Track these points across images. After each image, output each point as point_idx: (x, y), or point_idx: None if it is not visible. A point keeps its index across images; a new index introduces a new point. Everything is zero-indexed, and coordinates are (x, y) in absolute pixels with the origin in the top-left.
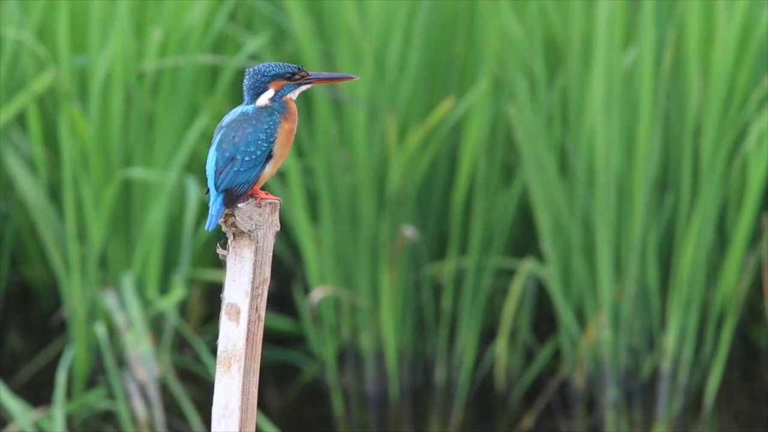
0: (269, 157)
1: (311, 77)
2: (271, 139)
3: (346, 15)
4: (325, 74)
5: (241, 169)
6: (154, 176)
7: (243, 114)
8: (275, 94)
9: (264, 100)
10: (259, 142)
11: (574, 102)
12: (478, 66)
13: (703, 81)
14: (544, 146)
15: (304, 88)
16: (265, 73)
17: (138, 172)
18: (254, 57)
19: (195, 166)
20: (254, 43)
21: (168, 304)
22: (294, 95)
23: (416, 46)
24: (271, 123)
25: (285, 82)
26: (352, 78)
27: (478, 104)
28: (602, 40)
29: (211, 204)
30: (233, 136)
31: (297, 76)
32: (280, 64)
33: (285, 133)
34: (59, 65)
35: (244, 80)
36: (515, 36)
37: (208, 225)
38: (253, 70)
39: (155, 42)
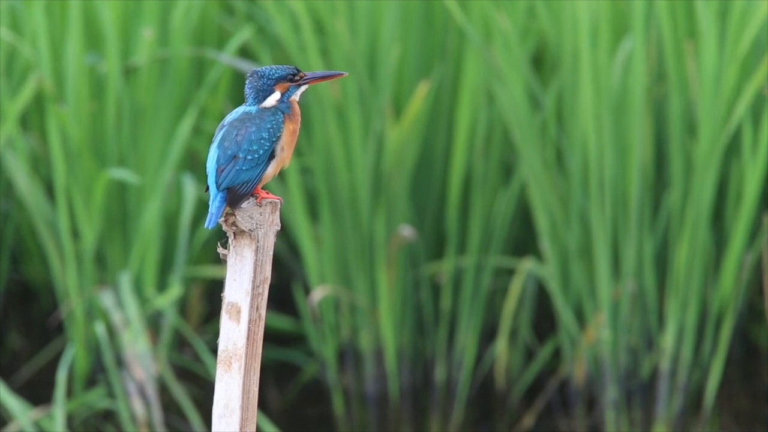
0: (272, 156)
1: (308, 77)
2: (274, 138)
3: (336, 18)
4: (319, 73)
5: (244, 167)
6: (137, 177)
7: (246, 113)
8: (282, 96)
9: (272, 102)
10: (262, 141)
11: (568, 102)
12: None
13: (683, 78)
14: (539, 147)
15: (303, 88)
16: (270, 76)
17: (121, 173)
18: (243, 50)
19: (193, 164)
20: (242, 34)
21: (165, 302)
22: (297, 96)
23: (405, 36)
24: (274, 122)
25: (288, 84)
26: (343, 74)
27: (466, 91)
28: (586, 41)
29: (211, 202)
30: (236, 135)
31: (297, 77)
32: (281, 66)
33: (289, 134)
34: (41, 68)
35: (247, 83)
36: (507, 35)
37: (208, 223)
38: (257, 72)
39: (147, 40)
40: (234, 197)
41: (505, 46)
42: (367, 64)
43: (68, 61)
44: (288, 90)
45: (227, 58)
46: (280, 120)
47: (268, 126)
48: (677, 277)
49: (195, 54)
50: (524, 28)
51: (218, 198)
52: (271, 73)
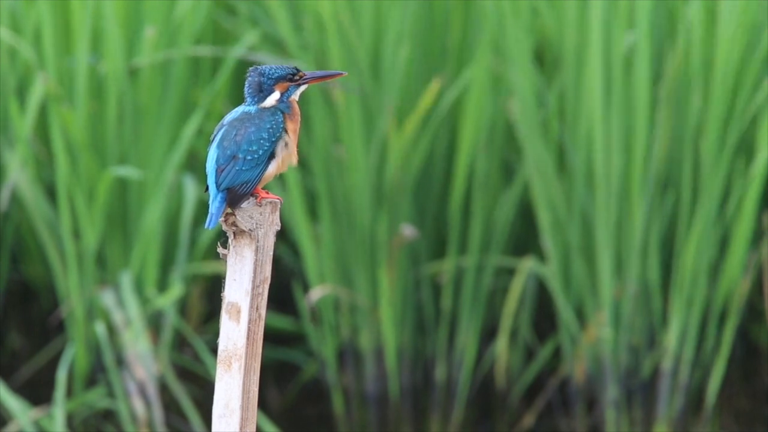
0: (272, 156)
1: (307, 77)
2: (273, 139)
3: (338, 13)
4: (319, 72)
5: (243, 168)
6: (140, 174)
7: (245, 113)
8: (282, 96)
9: (271, 101)
10: (262, 141)
11: (571, 99)
12: (472, 53)
13: (704, 81)
14: (543, 144)
15: (303, 88)
16: (270, 75)
17: (124, 170)
18: (250, 50)
19: (193, 164)
20: (250, 37)
21: (166, 301)
22: (296, 96)
23: (409, 38)
24: (273, 122)
25: (288, 83)
26: (342, 74)
27: (474, 90)
28: (597, 37)
29: (210, 202)
30: (235, 134)
31: (296, 77)
32: (281, 66)
33: (289, 134)
34: (47, 70)
35: (247, 81)
36: (511, 32)
37: (208, 223)
38: (257, 71)
39: (149, 39)
40: (234, 197)
41: (511, 41)
42: (370, 64)
43: (77, 61)
44: (288, 90)
45: (242, 50)
46: (280, 120)
47: (268, 126)
48: (683, 277)
49: (201, 53)
50: (527, 26)
51: (218, 198)
52: (271, 72)
